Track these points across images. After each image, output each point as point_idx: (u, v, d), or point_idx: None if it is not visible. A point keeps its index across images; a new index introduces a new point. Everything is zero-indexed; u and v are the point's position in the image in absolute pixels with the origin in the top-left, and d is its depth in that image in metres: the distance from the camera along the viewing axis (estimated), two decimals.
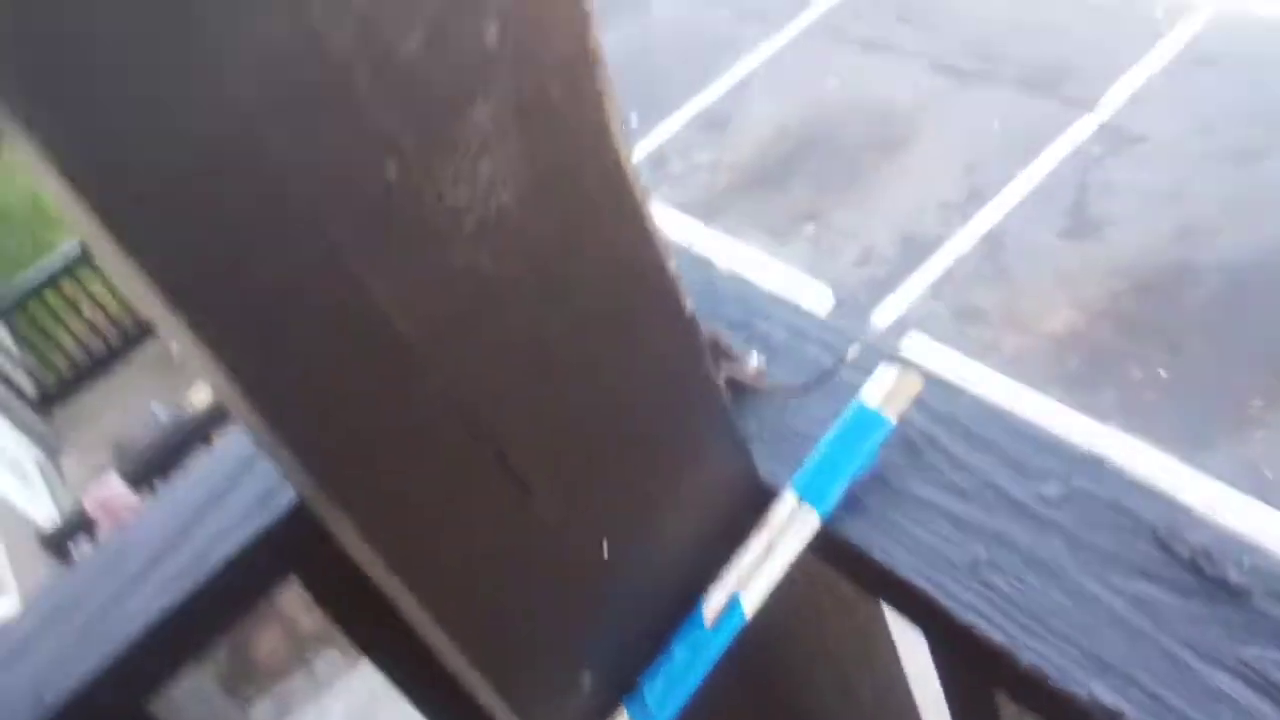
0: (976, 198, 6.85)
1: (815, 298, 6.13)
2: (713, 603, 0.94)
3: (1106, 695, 0.80)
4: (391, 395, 0.68)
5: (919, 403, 1.00)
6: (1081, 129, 6.90)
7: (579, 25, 0.68)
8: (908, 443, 0.99)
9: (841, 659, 1.20)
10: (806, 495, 0.96)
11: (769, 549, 0.95)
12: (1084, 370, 5.72)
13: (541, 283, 0.73)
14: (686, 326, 0.85)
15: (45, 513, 6.77)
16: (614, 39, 8.64)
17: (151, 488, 6.68)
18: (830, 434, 0.99)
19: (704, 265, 1.25)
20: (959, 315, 6.29)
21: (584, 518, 0.84)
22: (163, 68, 0.51)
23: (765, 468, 1.02)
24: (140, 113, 0.52)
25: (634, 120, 7.78)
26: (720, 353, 1.07)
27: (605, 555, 0.86)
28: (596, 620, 0.91)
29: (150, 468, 7.01)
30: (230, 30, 0.52)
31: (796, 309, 1.16)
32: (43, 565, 5.79)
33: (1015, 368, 5.82)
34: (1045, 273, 6.33)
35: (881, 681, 1.25)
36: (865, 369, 1.03)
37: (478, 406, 0.73)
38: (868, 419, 0.97)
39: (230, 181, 0.56)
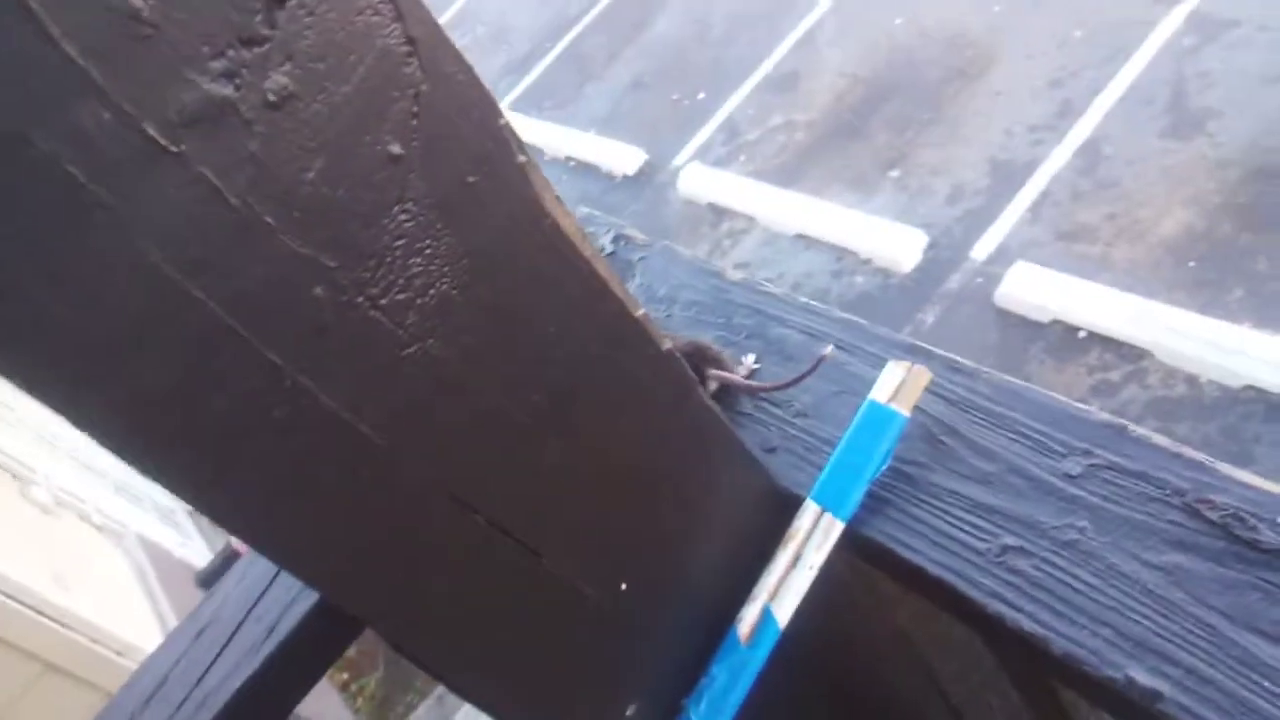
0: (1067, 112, 6.55)
1: (908, 244, 5.99)
2: (746, 619, 0.95)
3: (1144, 677, 0.78)
4: (371, 494, 0.72)
5: (935, 390, 0.99)
6: (1170, 22, 6.52)
7: (485, 114, 0.70)
8: (926, 433, 0.98)
9: (899, 648, 1.19)
10: (827, 502, 0.95)
11: (795, 560, 0.95)
12: (1206, 271, 5.42)
13: (501, 354, 0.75)
14: (666, 363, 0.86)
15: (199, 553, 7.16)
16: (670, 17, 8.60)
17: None
18: (845, 436, 0.98)
19: (713, 275, 1.25)
20: (1064, 236, 6.04)
21: (598, 564, 0.86)
22: (69, 261, 0.55)
23: (789, 477, 1.02)
24: (65, 297, 0.56)
25: (702, 95, 7.72)
26: (708, 362, 1.08)
27: (625, 593, 0.88)
28: (632, 653, 0.93)
29: None
30: (130, 211, 0.56)
31: (808, 308, 1.15)
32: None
33: (1131, 280, 5.56)
34: (1151, 176, 6.02)
35: (951, 668, 1.23)
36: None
37: (463, 484, 0.76)
38: (881, 416, 0.96)
39: (164, 335, 0.60)
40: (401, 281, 0.69)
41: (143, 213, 0.57)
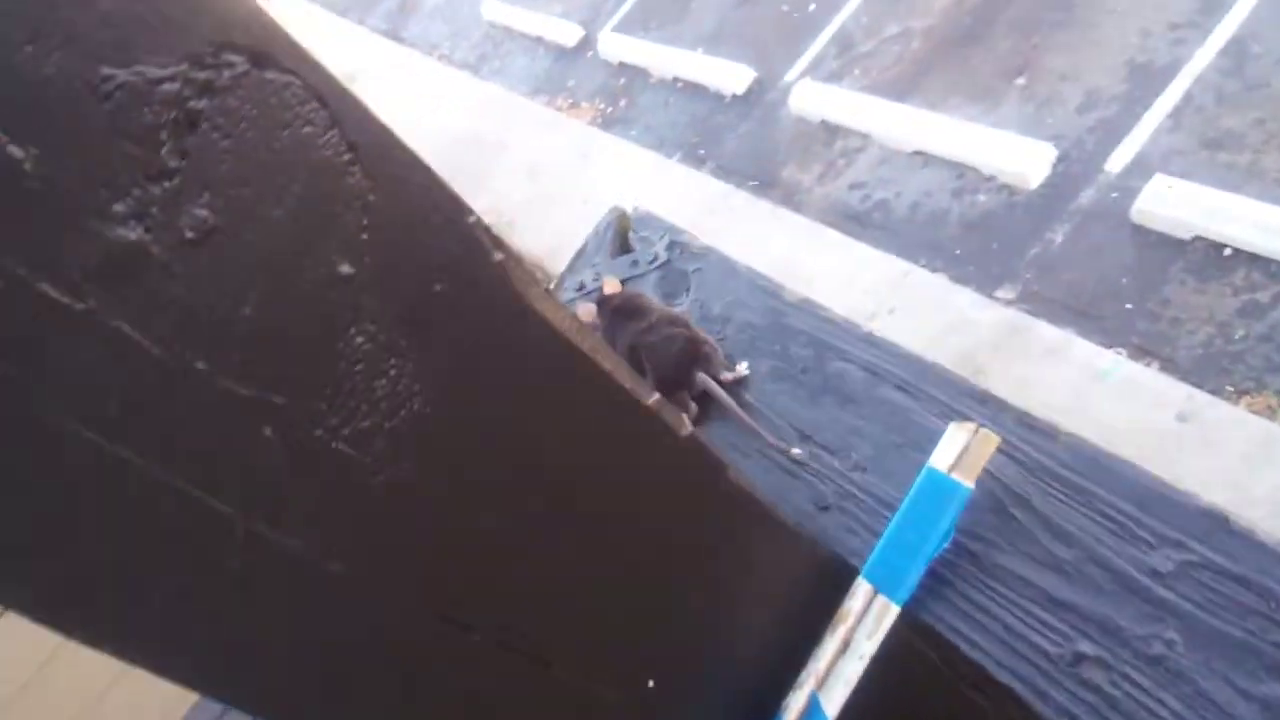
0: (1211, 7, 5.97)
1: (1035, 158, 5.62)
2: (792, 709, 0.87)
3: None
4: (349, 628, 0.66)
5: (1007, 450, 0.87)
6: None
7: (450, 215, 0.61)
8: (995, 503, 0.87)
9: None
10: (881, 582, 0.86)
11: (845, 645, 0.86)
12: None
13: (488, 468, 0.67)
14: (686, 450, 0.77)
15: None
16: None
17: None
18: (902, 506, 0.88)
19: (771, 295, 1.14)
20: (1208, 145, 5.56)
21: (618, 664, 0.79)
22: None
23: (842, 543, 0.92)
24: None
25: (812, 6, 7.35)
26: (699, 362, 1.09)
27: (652, 690, 0.81)
28: None
29: None
30: (33, 379, 0.50)
31: (872, 341, 1.03)
32: None
33: None
34: None
35: None
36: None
37: (452, 603, 0.70)
38: (941, 487, 0.86)
39: (92, 505, 0.55)
40: (365, 408, 0.61)
41: (50, 379, 0.51)
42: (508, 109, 8.56)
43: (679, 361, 1.12)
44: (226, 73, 0.52)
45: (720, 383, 1.11)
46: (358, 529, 0.64)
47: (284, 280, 0.56)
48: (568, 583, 0.74)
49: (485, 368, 0.65)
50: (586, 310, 1.21)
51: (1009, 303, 5.26)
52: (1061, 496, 0.82)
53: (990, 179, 5.98)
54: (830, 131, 6.55)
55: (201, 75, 0.51)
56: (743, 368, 1.14)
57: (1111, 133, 5.87)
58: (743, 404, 1.08)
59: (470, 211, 0.61)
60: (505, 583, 0.71)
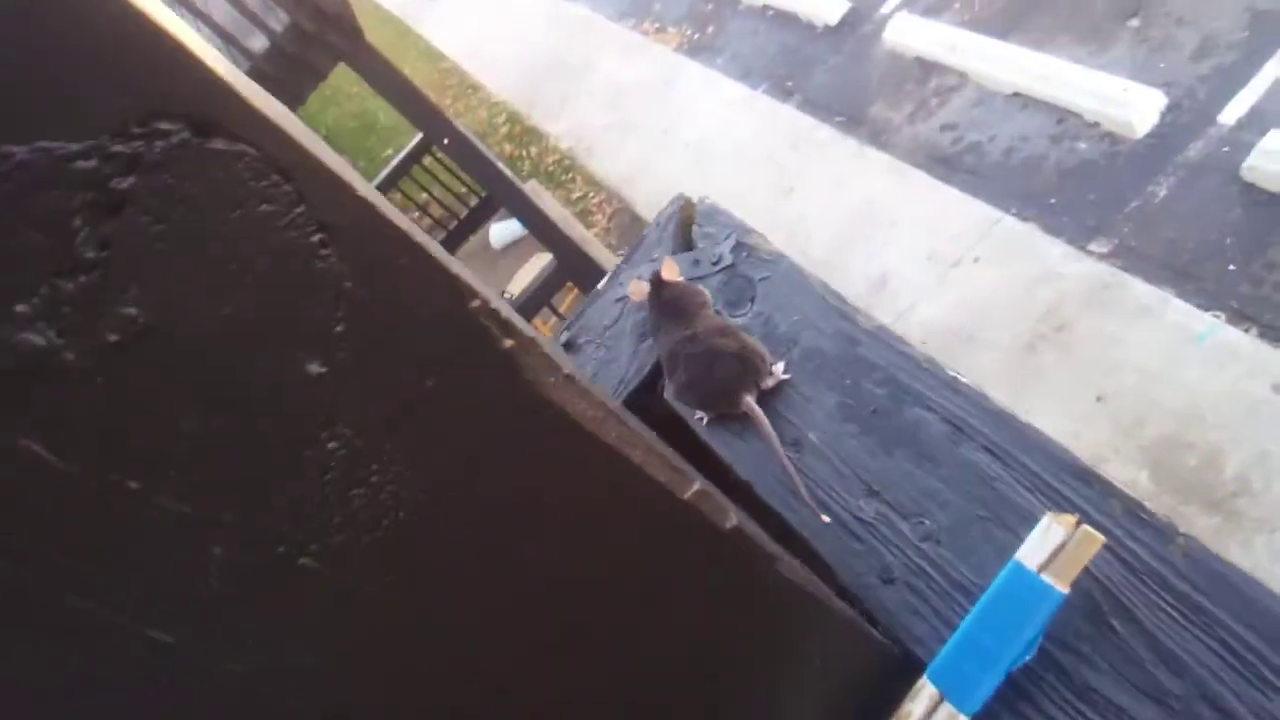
0: None
1: (1144, 105, 5.27)
2: None
3: None
4: None
5: (1114, 547, 0.75)
6: None
7: (448, 301, 0.50)
8: (1091, 606, 0.74)
9: None
10: (948, 689, 0.75)
11: None
12: None
13: (489, 585, 0.57)
14: (728, 545, 0.66)
15: None
16: None
17: None
18: (980, 602, 0.76)
19: (844, 318, 1.01)
20: None
21: None
22: None
23: (904, 625, 0.81)
24: None
25: None
26: (752, 374, 1.01)
27: None
28: None
29: None
30: None
31: (956, 387, 0.90)
32: None
33: None
34: None
35: None
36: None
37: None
38: (1029, 588, 0.73)
39: (13, 640, 0.46)
40: (338, 520, 0.51)
41: None
42: (593, 32, 8.35)
43: (726, 387, 1.01)
44: (159, 144, 0.41)
45: (761, 391, 1.03)
46: (329, 658, 0.54)
47: (235, 384, 0.46)
48: (582, 698, 0.64)
49: (489, 470, 0.55)
50: (638, 288, 1.13)
51: (1102, 257, 4.99)
52: (1174, 613, 0.70)
53: (1093, 125, 5.65)
54: (925, 68, 6.23)
55: (126, 149, 0.40)
56: (779, 369, 1.04)
57: (1227, 83, 5.48)
58: (792, 442, 0.97)
59: (473, 295, 0.50)
60: (505, 706, 0.62)
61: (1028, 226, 5.20)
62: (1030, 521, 0.78)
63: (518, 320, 0.53)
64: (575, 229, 6.30)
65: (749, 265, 1.11)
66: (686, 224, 1.20)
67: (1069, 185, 5.39)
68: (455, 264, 0.51)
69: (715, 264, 1.12)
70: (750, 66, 7.06)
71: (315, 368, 0.47)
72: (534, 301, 6.77)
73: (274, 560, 0.50)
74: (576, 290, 6.20)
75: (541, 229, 5.61)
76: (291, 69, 4.14)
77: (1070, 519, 0.73)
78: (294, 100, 4.23)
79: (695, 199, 1.23)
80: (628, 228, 7.02)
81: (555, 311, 6.43)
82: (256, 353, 0.46)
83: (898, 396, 0.92)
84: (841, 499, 0.91)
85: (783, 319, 1.04)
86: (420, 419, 0.51)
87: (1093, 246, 5.06)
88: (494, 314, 0.51)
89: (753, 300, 1.08)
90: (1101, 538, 0.71)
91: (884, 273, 5.36)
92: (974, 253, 5.27)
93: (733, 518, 0.65)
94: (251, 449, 0.48)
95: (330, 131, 10.61)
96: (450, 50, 10.19)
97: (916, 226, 5.48)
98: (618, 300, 1.21)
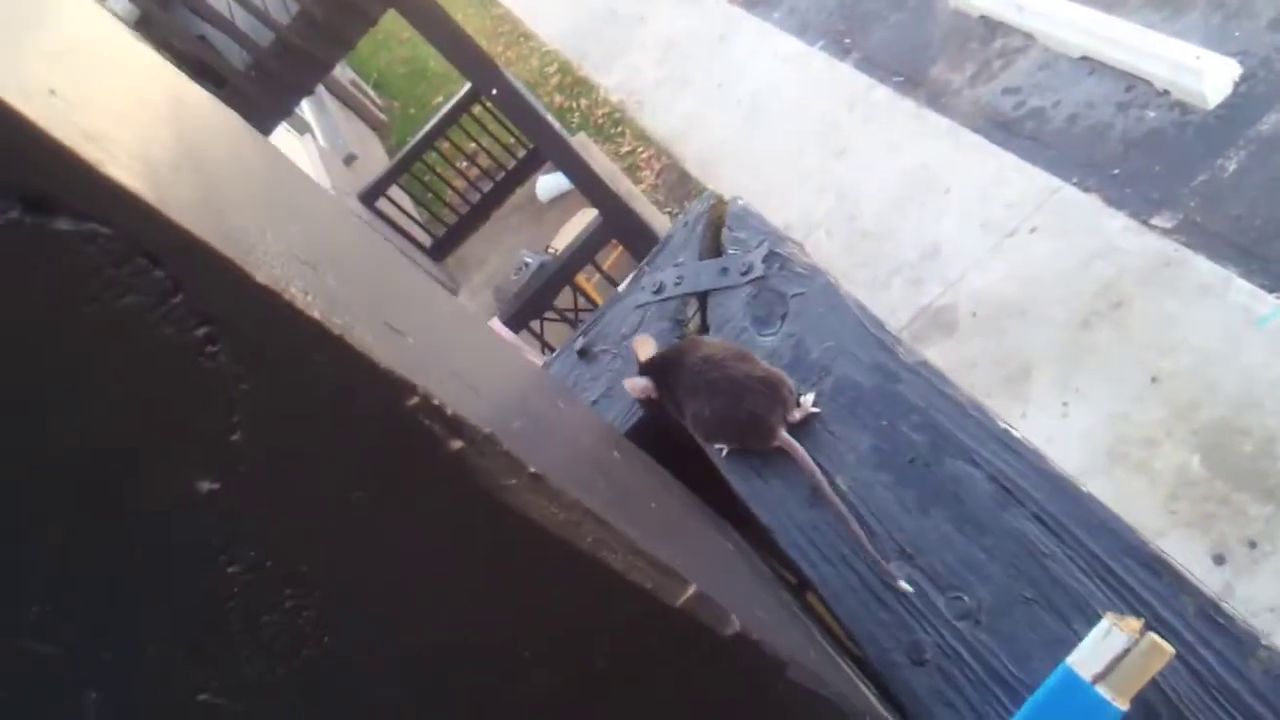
0: None
1: (1217, 74, 5.00)
2: None
3: None
4: None
5: (1184, 655, 0.64)
6: None
7: (381, 398, 0.40)
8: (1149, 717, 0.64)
9: None
10: None
11: None
12: None
13: (436, 715, 0.48)
14: (732, 651, 0.56)
15: None
16: None
17: (528, 329, 7.10)
18: (1024, 710, 0.66)
19: (884, 348, 0.90)
20: None
21: None
22: None
23: (932, 714, 0.72)
24: None
25: None
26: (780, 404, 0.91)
27: None
28: None
29: (524, 309, 7.46)
30: None
31: (1007, 441, 0.79)
32: None
33: None
34: None
35: None
36: None
37: None
38: (1081, 699, 0.63)
39: None
40: (246, 651, 0.43)
41: None
42: None
43: (759, 422, 0.90)
44: None
45: (788, 425, 0.92)
46: None
47: (104, 507, 0.37)
48: None
49: (435, 589, 0.46)
50: (636, 386, 1.01)
51: (1166, 232, 4.77)
52: None
53: (1163, 94, 5.39)
54: (990, 28, 5.97)
55: None
56: (809, 401, 0.93)
57: None
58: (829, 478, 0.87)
59: (411, 391, 0.40)
60: None
61: (1089, 197, 5.00)
62: (1084, 611, 0.68)
63: (471, 414, 0.43)
64: (622, 184, 6.18)
65: (781, 279, 1.00)
66: (716, 226, 1.09)
67: (1134, 155, 5.16)
68: (389, 351, 0.41)
69: (745, 274, 1.02)
70: (808, 21, 6.85)
71: (207, 485, 0.38)
72: (578, 257, 6.68)
73: (166, 700, 0.42)
74: (621, 248, 6.09)
75: (587, 184, 5.49)
76: (340, 13, 4.04)
77: (1134, 624, 0.62)
78: (343, 46, 4.14)
79: (727, 198, 1.12)
80: (675, 185, 6.88)
81: (599, 268, 6.34)
82: (128, 472, 0.37)
83: (939, 445, 0.81)
84: (885, 570, 0.81)
85: (815, 343, 0.94)
86: (346, 536, 0.42)
87: (1156, 221, 4.84)
88: (437, 411, 0.41)
89: (784, 318, 0.98)
90: (1170, 650, 0.60)
91: (936, 240, 5.19)
92: (1030, 223, 5.08)
93: (734, 623, 0.56)
94: (131, 578, 0.39)
95: (381, 76, 10.52)
96: None
97: (971, 193, 5.29)
98: (638, 307, 1.11)
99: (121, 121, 0.38)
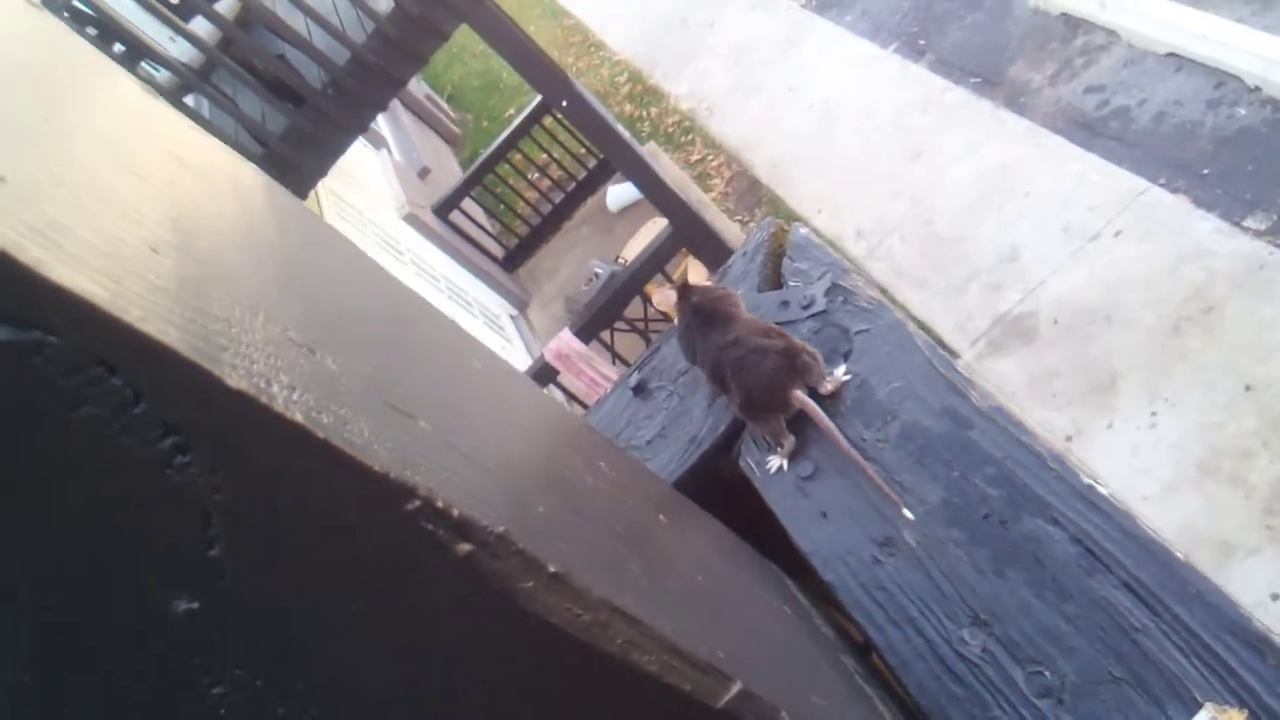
0: None
1: None
2: None
3: None
4: None
5: None
6: None
7: (380, 502, 0.36)
8: None
9: None
10: None
11: None
12: None
13: None
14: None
15: (522, 361, 7.51)
16: None
17: (598, 339, 7.10)
18: None
19: (955, 392, 0.83)
20: None
21: None
22: None
23: None
24: None
25: None
26: (796, 373, 0.92)
27: None
28: None
29: (595, 319, 7.45)
30: None
31: (1091, 499, 0.73)
32: None
33: None
34: None
35: None
36: None
37: None
38: None
39: None
40: None
41: None
42: None
43: (772, 381, 0.91)
44: None
45: (819, 396, 0.93)
46: None
47: (72, 633, 0.33)
48: None
49: (449, 699, 0.41)
50: (664, 298, 1.07)
51: (1258, 234, 4.56)
52: None
53: (1254, 90, 5.17)
54: (1071, 25, 5.79)
55: None
56: (840, 373, 0.94)
57: None
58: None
59: (410, 494, 0.36)
60: None
61: (1176, 199, 4.81)
62: (1180, 695, 0.61)
63: (484, 508, 0.39)
64: (692, 193, 6.13)
65: (845, 314, 0.94)
66: (776, 256, 1.03)
67: (1225, 155, 4.95)
68: (391, 445, 0.37)
69: (806, 308, 0.96)
70: (880, 23, 6.73)
71: (184, 604, 0.34)
72: (648, 267, 6.65)
73: None
74: (691, 257, 6.05)
75: (657, 193, 5.46)
76: (414, 29, 4.08)
77: (1238, 717, 0.55)
78: (417, 61, 4.18)
79: (788, 226, 1.06)
80: (745, 192, 6.82)
81: (668, 278, 6.31)
82: (95, 595, 0.33)
83: (1016, 501, 0.75)
84: (939, 625, 0.75)
85: (881, 384, 0.88)
86: (345, 649, 0.38)
87: (1248, 222, 4.64)
88: (441, 514, 0.37)
89: (847, 357, 0.92)
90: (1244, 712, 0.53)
91: (1014, 245, 5.04)
92: (1114, 226, 4.91)
93: (784, 717, 0.50)
94: (108, 706, 0.35)
95: (455, 90, 10.64)
96: (574, 7, 10.06)
97: (1052, 196, 5.13)
98: None
99: (86, 205, 0.34)
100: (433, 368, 0.57)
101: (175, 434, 0.32)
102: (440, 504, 0.37)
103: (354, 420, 0.37)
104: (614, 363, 6.14)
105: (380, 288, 0.63)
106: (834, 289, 0.96)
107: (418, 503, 0.37)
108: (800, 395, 0.91)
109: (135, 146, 0.45)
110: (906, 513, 0.81)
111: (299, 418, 0.34)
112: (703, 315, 0.99)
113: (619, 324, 6.37)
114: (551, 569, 0.41)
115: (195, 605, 0.35)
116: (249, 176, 0.56)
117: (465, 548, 0.38)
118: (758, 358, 0.93)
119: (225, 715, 0.37)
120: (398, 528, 0.37)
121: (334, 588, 0.37)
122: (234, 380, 0.32)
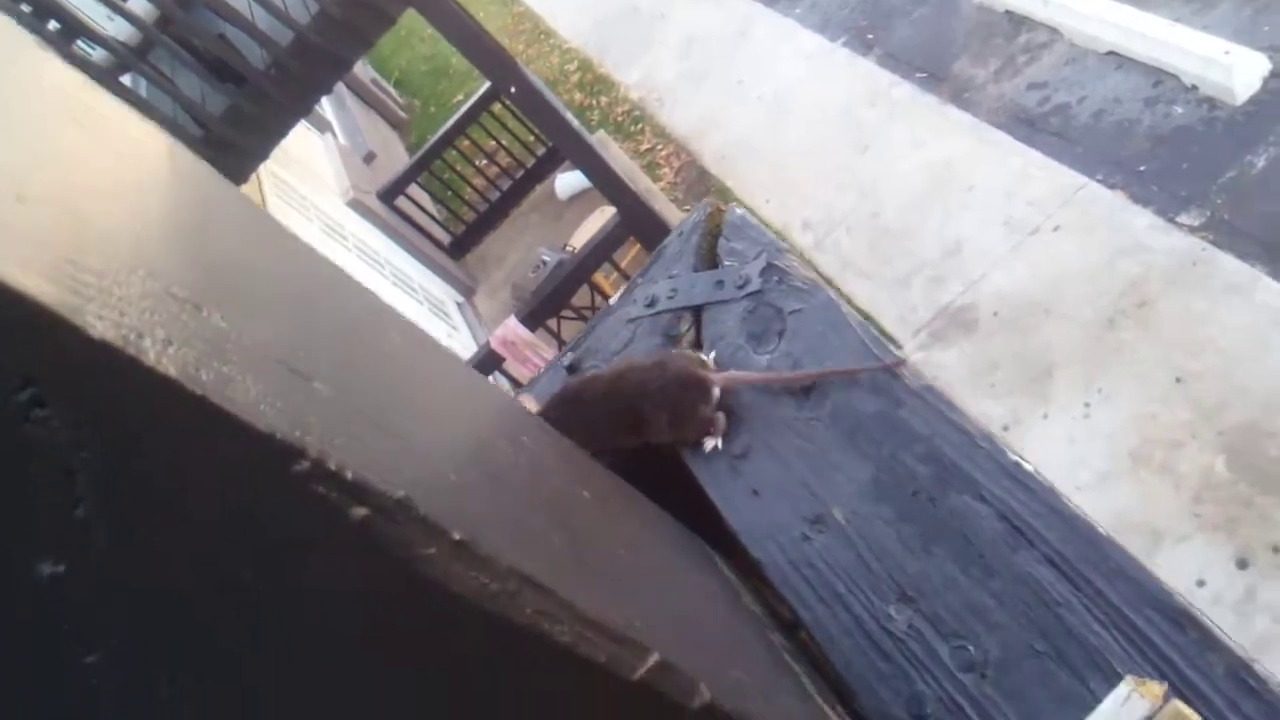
0: None
1: (1246, 69, 4.88)
2: None
3: None
4: None
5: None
6: None
7: (265, 462, 0.34)
8: None
9: None
10: None
11: None
12: None
13: None
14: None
15: (467, 348, 7.43)
16: None
17: (545, 327, 7.05)
18: None
19: (888, 371, 0.83)
20: None
21: None
22: None
23: None
24: None
25: None
26: (690, 391, 0.92)
27: None
28: None
29: (542, 307, 7.40)
30: None
31: (1018, 476, 0.73)
32: None
33: None
34: None
35: None
36: None
37: None
38: None
39: None
40: None
41: None
42: None
43: (681, 378, 0.91)
44: None
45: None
46: None
47: None
48: None
49: (344, 669, 0.40)
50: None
51: (1192, 230, 4.65)
52: None
53: (1191, 89, 5.27)
54: (1015, 22, 5.86)
55: None
56: (711, 358, 0.96)
57: None
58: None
59: (298, 455, 0.34)
60: None
61: (1114, 194, 4.89)
62: (1102, 668, 0.61)
63: (385, 474, 0.37)
64: (641, 182, 6.11)
65: (779, 294, 0.93)
66: (712, 236, 1.02)
67: (1161, 152, 5.05)
68: (282, 405, 0.35)
69: (741, 287, 0.95)
70: (829, 17, 6.76)
71: (49, 567, 0.32)
72: (595, 255, 6.62)
73: None
74: (639, 246, 6.04)
75: (605, 182, 5.43)
76: (359, 11, 4.00)
77: (1157, 690, 0.56)
78: (363, 44, 4.10)
79: (724, 206, 1.05)
80: (694, 182, 6.82)
81: (617, 266, 6.29)
82: None
83: (944, 478, 0.74)
84: (867, 601, 0.75)
85: (813, 364, 0.87)
86: (230, 618, 0.36)
87: (1183, 218, 4.73)
88: (333, 476, 0.35)
89: (780, 335, 0.91)
90: (1192, 715, 0.54)
91: (958, 238, 5.09)
92: (1054, 220, 4.98)
93: (703, 693, 0.49)
94: None
95: (402, 74, 10.51)
96: None
97: (995, 190, 5.19)
98: (630, 320, 1.05)
99: None
100: (343, 334, 0.55)
101: (32, 385, 0.30)
102: (332, 466, 0.36)
103: (240, 378, 0.35)
104: (560, 350, 6.10)
105: (292, 255, 0.61)
106: (769, 269, 0.95)
107: (307, 464, 0.35)
108: (722, 375, 0.91)
109: (12, 98, 0.43)
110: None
111: (173, 372, 0.32)
112: (568, 406, 0.97)
113: (566, 312, 6.33)
114: (456, 535, 0.40)
115: (60, 569, 0.33)
116: (155, 141, 0.53)
117: (361, 512, 0.37)
118: (656, 372, 0.92)
119: (100, 687, 0.35)
120: (286, 490, 0.35)
121: (215, 552, 0.35)
122: (98, 330, 0.30)
